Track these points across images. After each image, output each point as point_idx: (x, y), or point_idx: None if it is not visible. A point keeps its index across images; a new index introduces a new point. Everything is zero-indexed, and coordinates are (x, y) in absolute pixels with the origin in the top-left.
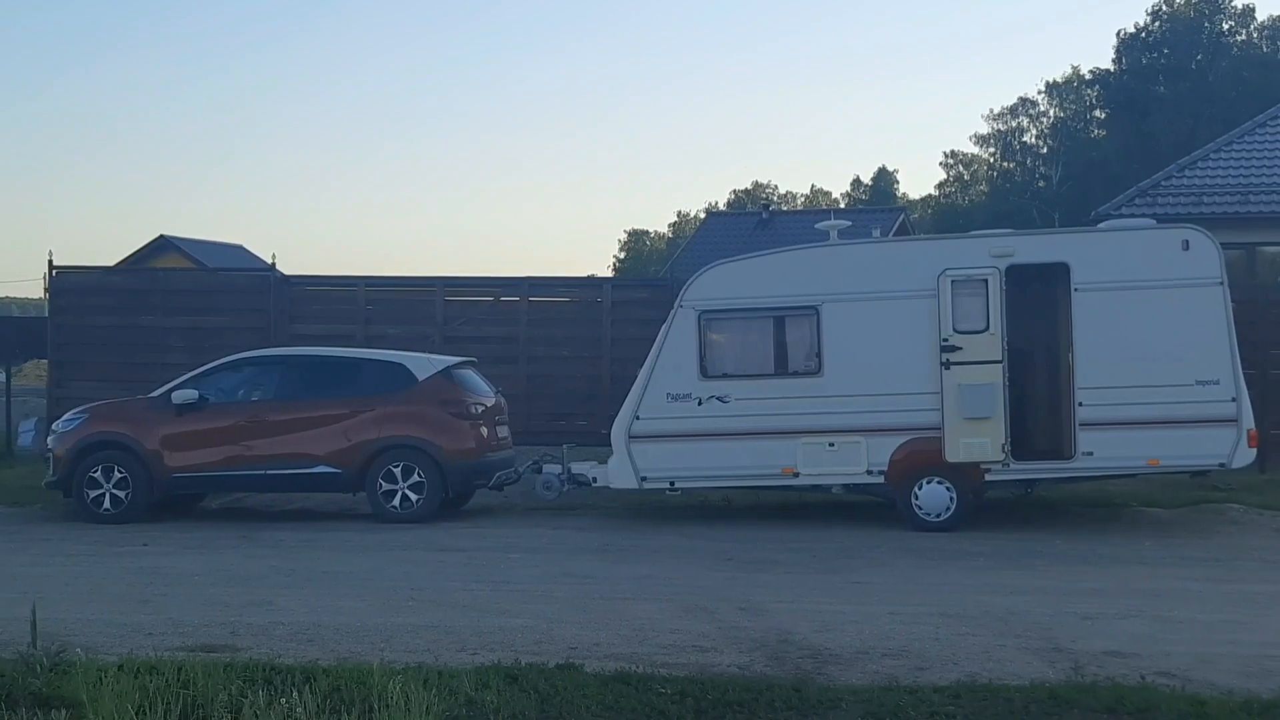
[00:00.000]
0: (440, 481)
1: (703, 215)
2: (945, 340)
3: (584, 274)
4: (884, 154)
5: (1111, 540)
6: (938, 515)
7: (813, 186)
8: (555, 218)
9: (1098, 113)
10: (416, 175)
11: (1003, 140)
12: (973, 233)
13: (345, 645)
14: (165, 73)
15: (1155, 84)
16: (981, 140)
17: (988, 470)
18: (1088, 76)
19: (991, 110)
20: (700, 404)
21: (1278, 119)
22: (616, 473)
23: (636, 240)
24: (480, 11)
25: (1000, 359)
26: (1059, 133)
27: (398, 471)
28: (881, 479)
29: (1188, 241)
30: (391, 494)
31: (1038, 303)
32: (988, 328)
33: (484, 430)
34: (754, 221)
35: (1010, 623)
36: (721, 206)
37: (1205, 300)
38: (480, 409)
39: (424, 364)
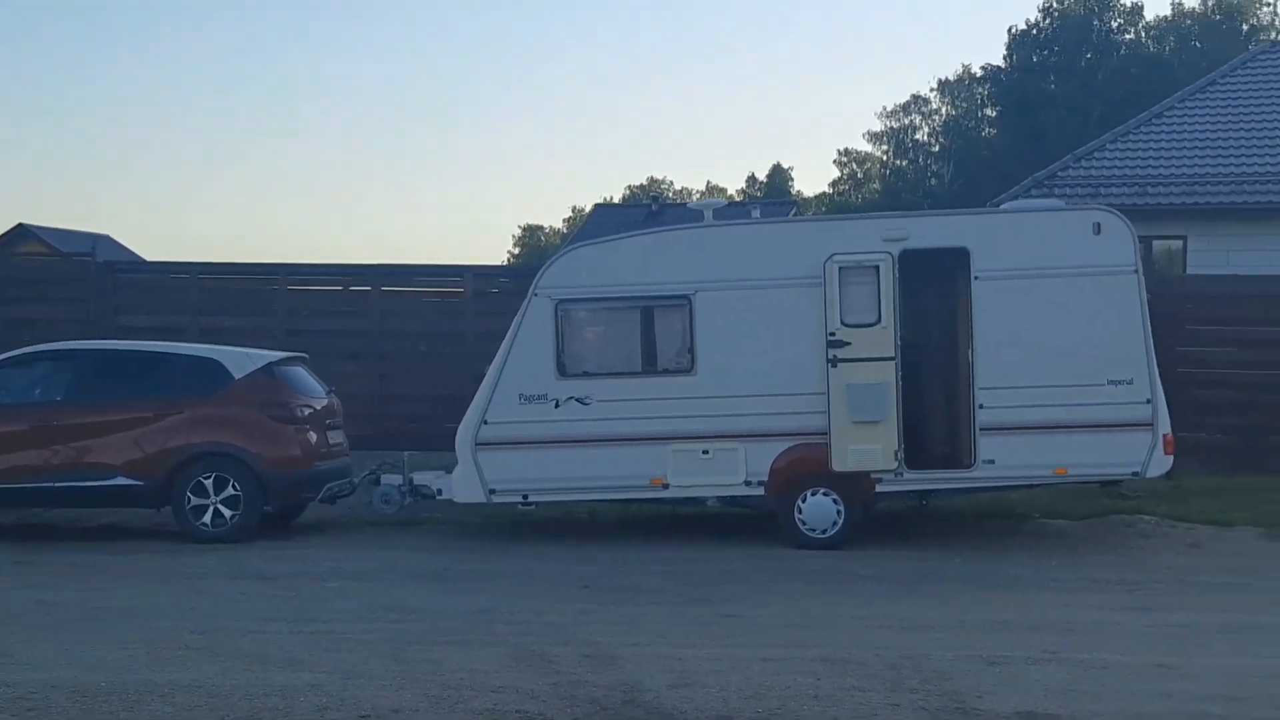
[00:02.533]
0: (259, 495)
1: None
2: (832, 334)
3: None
4: (779, 151)
5: (1015, 559)
6: (823, 531)
7: (708, 183)
8: (449, 213)
9: (989, 110)
10: (305, 169)
11: (895, 138)
12: (863, 214)
13: (72, 717)
14: (37, 62)
15: (1046, 81)
16: (875, 138)
17: (879, 480)
18: (979, 74)
19: (884, 108)
20: (557, 406)
21: (1174, 110)
22: (461, 485)
23: (531, 235)
24: (372, 1)
25: (893, 355)
26: (951, 130)
27: (209, 484)
28: (761, 490)
29: (1099, 224)
30: (202, 510)
31: (935, 292)
32: (879, 320)
33: (312, 436)
34: (644, 214)
35: (904, 672)
36: (616, 201)
37: (1118, 290)
38: (308, 411)
39: (242, 360)
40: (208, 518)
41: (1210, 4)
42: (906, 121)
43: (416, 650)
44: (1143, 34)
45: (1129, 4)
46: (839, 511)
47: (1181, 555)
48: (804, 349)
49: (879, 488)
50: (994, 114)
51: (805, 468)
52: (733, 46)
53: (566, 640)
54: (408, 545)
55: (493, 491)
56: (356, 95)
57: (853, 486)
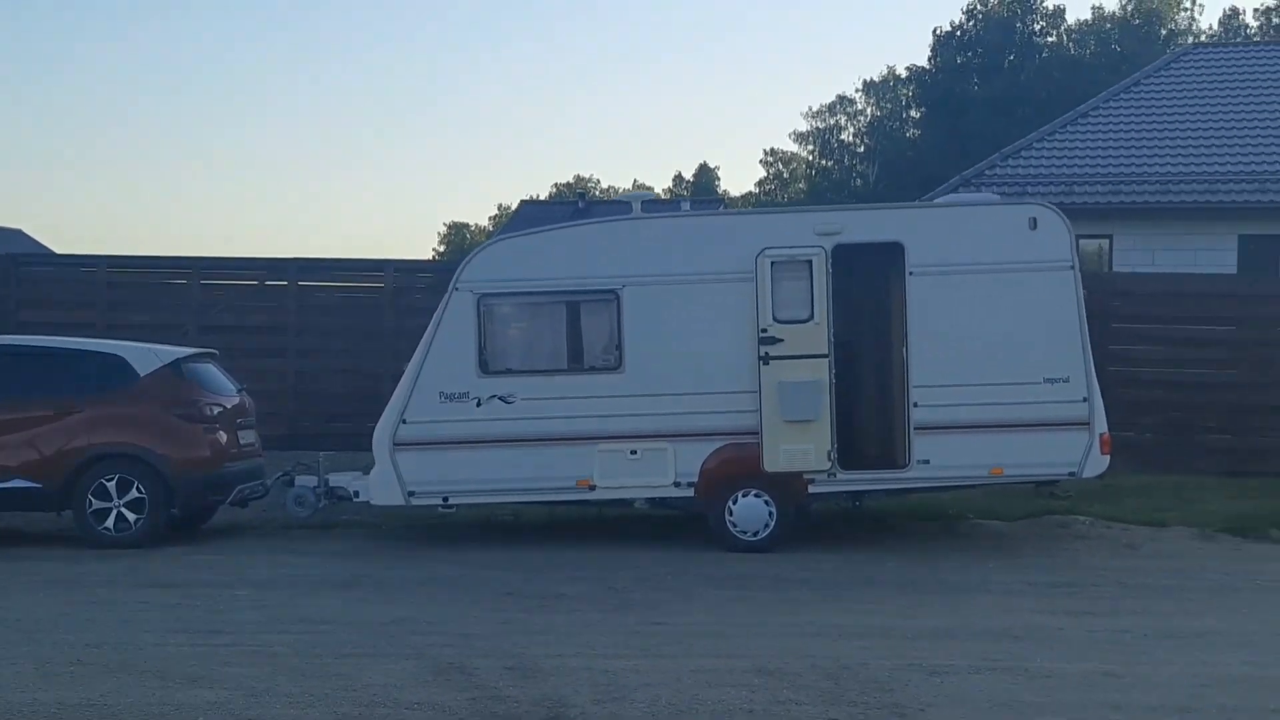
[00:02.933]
0: (165, 498)
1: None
2: (764, 331)
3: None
4: (706, 151)
5: (951, 561)
6: (755, 534)
7: (635, 181)
8: (374, 209)
9: (913, 112)
10: (227, 163)
11: (821, 138)
12: (795, 206)
13: None
14: None
15: (970, 83)
16: (801, 138)
17: (812, 481)
18: (904, 75)
19: (810, 108)
20: (479, 405)
21: (1099, 110)
22: (379, 487)
23: (457, 233)
24: None
25: (826, 353)
26: (876, 131)
27: (112, 486)
28: (691, 492)
29: (1035, 219)
30: (104, 514)
31: (869, 288)
32: (812, 316)
33: (222, 435)
34: (570, 210)
35: (843, 682)
36: (543, 199)
37: (1055, 286)
38: (217, 410)
39: (147, 356)
40: (110, 522)
41: (1129, 8)
42: (832, 122)
43: (326, 664)
44: (1065, 37)
45: (1051, 7)
46: (771, 513)
47: (1118, 557)
48: (735, 346)
49: (812, 488)
50: (918, 115)
51: (736, 468)
52: (660, 46)
53: (487, 652)
54: (322, 550)
55: (412, 494)
56: (282, 90)
57: (785, 487)
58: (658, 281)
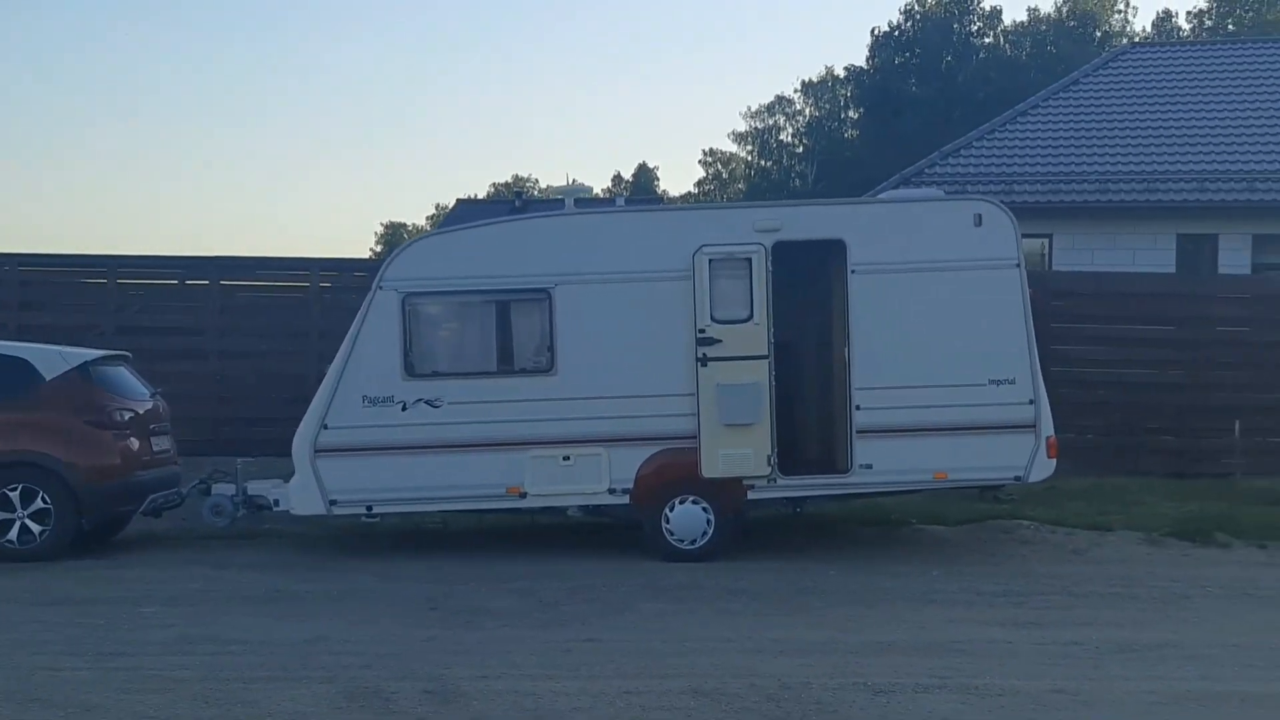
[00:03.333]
0: (72, 509)
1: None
2: (701, 331)
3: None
4: (645, 151)
5: (894, 569)
6: (693, 542)
7: (573, 181)
8: (310, 210)
9: (851, 112)
10: (155, 161)
11: (760, 138)
12: (734, 203)
13: None
14: None
15: (907, 83)
16: (740, 138)
17: (751, 487)
18: (842, 75)
19: (749, 108)
20: (405, 409)
21: (1038, 109)
22: (299, 495)
23: (394, 233)
24: None
25: (766, 354)
26: (814, 131)
27: (15, 496)
28: (626, 499)
29: (981, 216)
30: (7, 525)
31: (810, 287)
32: (751, 316)
33: (134, 442)
34: (507, 209)
35: (784, 704)
36: (481, 198)
37: (1000, 285)
38: (129, 415)
39: (54, 359)
40: (13, 534)
41: (1064, 10)
42: (771, 122)
43: (233, 689)
44: (1001, 38)
45: (988, 8)
46: (709, 521)
47: (1064, 563)
48: (672, 347)
49: (751, 495)
50: (856, 115)
51: (673, 474)
52: (599, 46)
53: (406, 673)
54: (240, 563)
55: (334, 502)
56: (211, 88)
57: (723, 494)
58: (591, 280)
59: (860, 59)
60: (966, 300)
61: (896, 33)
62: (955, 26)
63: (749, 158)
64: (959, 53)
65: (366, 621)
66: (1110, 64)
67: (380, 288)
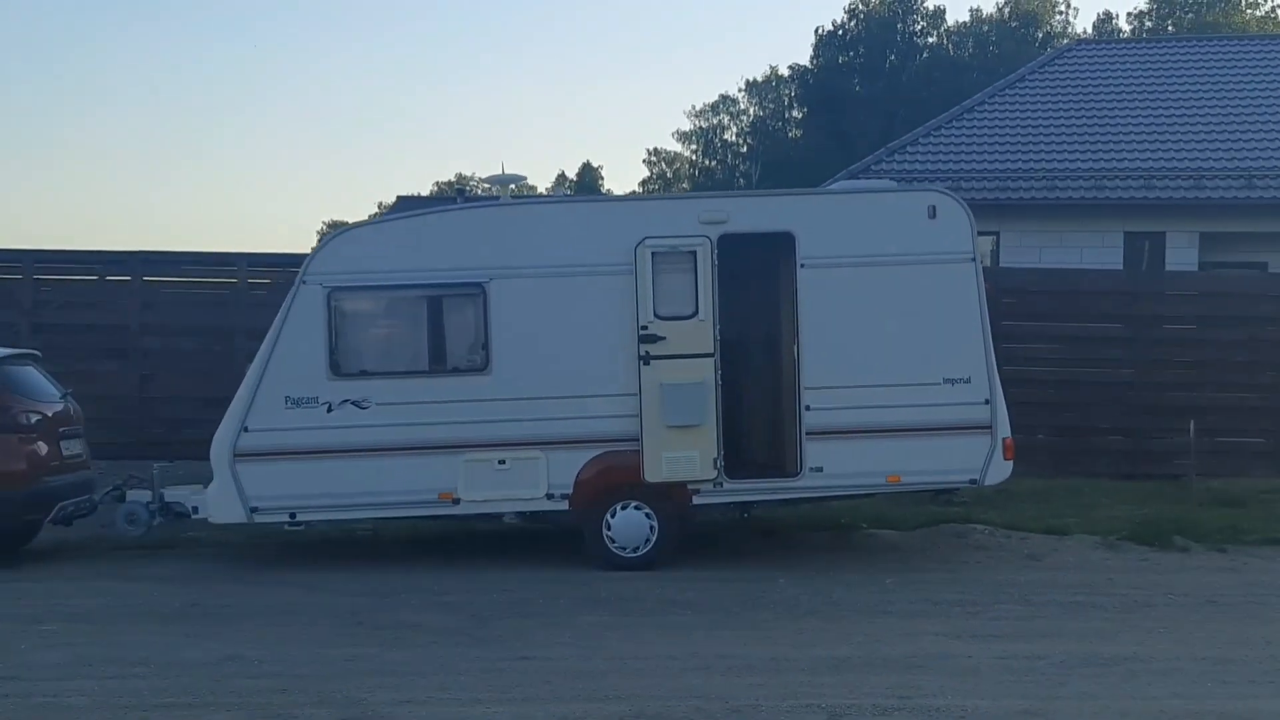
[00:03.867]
0: None
1: None
2: (644, 328)
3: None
4: (589, 150)
5: (845, 577)
6: (635, 549)
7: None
8: (250, 208)
9: (795, 111)
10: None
11: (704, 138)
12: (679, 194)
13: None
14: None
15: (851, 82)
16: (684, 137)
17: (697, 491)
18: (786, 74)
19: (694, 107)
20: (330, 410)
21: (985, 106)
22: (218, 502)
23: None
24: None
25: (712, 352)
26: (758, 130)
27: None
28: (565, 504)
29: (934, 208)
30: None
31: (758, 282)
32: (696, 312)
33: (41, 446)
34: (448, 205)
35: None
36: (424, 195)
37: (955, 279)
38: (36, 418)
39: None
40: None
41: (1006, 10)
42: (715, 121)
43: (132, 718)
44: (945, 38)
45: (931, 7)
46: (652, 527)
47: (1021, 570)
48: (613, 345)
49: (697, 499)
50: (800, 115)
51: (614, 478)
52: (543, 42)
53: (323, 697)
54: (154, 575)
55: (255, 510)
56: (154, 84)
57: (667, 499)
58: (528, 274)
59: (805, 58)
60: (920, 296)
61: (840, 32)
62: (899, 26)
63: (693, 157)
64: (902, 52)
65: (285, 640)
66: (1056, 61)
67: (304, 282)
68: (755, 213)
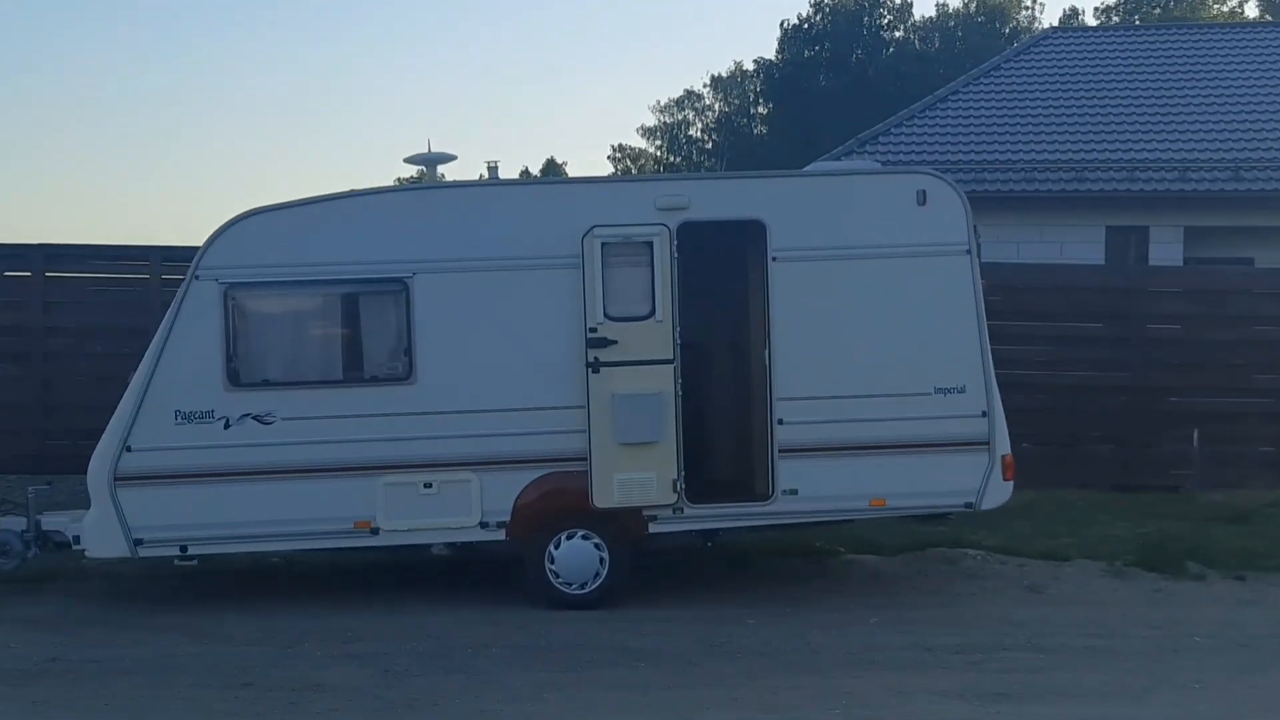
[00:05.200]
0: None
1: None
2: (593, 331)
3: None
4: (553, 146)
5: (824, 616)
6: (583, 585)
7: (481, 177)
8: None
9: (761, 107)
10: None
11: (669, 133)
12: (632, 176)
13: None
14: None
15: (817, 77)
16: (649, 133)
17: (654, 518)
18: (751, 68)
19: (658, 102)
20: (228, 427)
21: (959, 95)
22: (96, 533)
23: None
24: None
25: (671, 358)
26: (723, 126)
27: None
28: (502, 534)
29: (924, 193)
30: None
31: (724, 277)
32: (653, 313)
33: None
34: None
35: None
36: None
37: (948, 274)
38: None
39: None
40: None
41: (972, 5)
42: (680, 117)
43: None
44: (911, 32)
45: (898, 2)
46: (602, 560)
47: (1022, 604)
48: (557, 350)
49: (654, 527)
50: (766, 110)
51: (559, 503)
52: (506, 36)
53: None
54: (21, 618)
55: (139, 541)
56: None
57: (620, 527)
58: (459, 268)
59: (770, 52)
60: (908, 293)
61: (806, 25)
62: (865, 20)
63: (658, 153)
64: (869, 46)
65: (153, 708)
66: (1032, 49)
67: (196, 277)
68: (721, 198)
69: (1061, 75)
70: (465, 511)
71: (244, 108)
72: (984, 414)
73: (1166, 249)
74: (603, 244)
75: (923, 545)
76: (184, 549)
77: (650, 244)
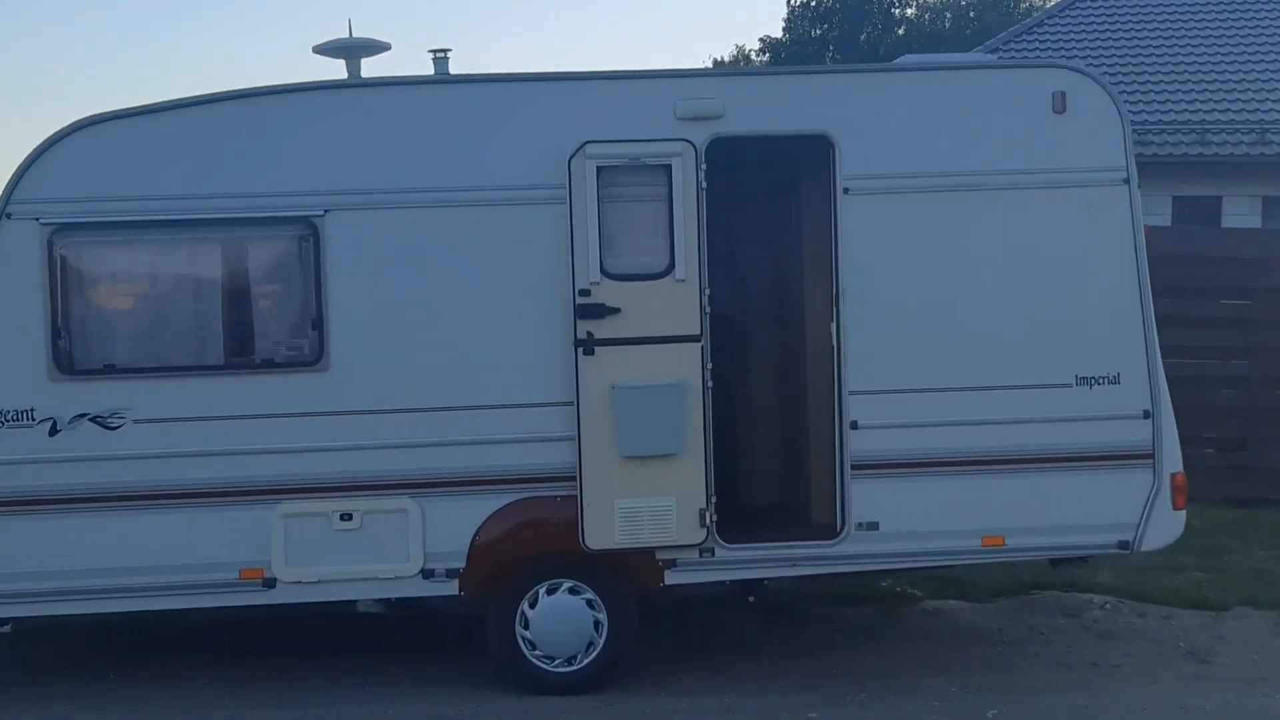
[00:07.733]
0: None
1: None
2: (585, 293)
3: None
4: None
5: (916, 705)
6: (570, 660)
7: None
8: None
9: None
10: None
11: None
12: (643, 70)
13: None
14: None
15: (825, 56)
16: None
17: (671, 564)
18: (757, 46)
19: None
20: (56, 432)
21: (1000, 53)
22: None
23: None
24: None
25: (698, 333)
26: None
27: None
28: (454, 585)
29: (1064, 94)
30: None
31: (772, 217)
32: (671, 268)
33: None
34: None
35: None
36: None
37: (1097, 213)
38: None
39: None
40: None
41: None
42: None
43: None
44: (922, 10)
45: None
46: (598, 624)
47: (1189, 683)
48: (532, 321)
49: (671, 576)
50: None
51: (535, 542)
52: (512, 23)
53: None
54: None
55: None
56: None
57: (624, 577)
58: (390, 203)
59: (776, 30)
60: (1039, 240)
61: (814, 3)
62: None
63: None
64: (879, 25)
65: None
66: (1077, 4)
67: (7, 215)
68: (769, 103)
69: (1113, 31)
70: (400, 555)
71: None
72: (1147, 414)
73: (1242, 221)
74: (599, 168)
75: (1025, 587)
76: None
77: (668, 168)
